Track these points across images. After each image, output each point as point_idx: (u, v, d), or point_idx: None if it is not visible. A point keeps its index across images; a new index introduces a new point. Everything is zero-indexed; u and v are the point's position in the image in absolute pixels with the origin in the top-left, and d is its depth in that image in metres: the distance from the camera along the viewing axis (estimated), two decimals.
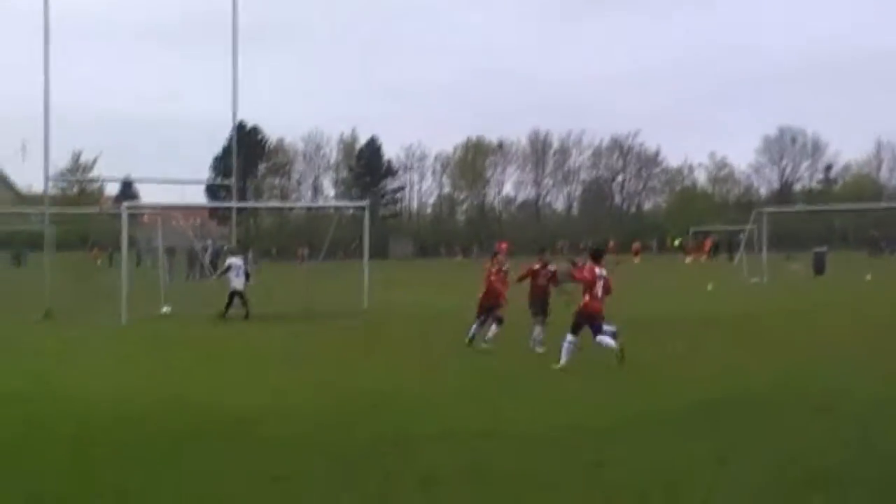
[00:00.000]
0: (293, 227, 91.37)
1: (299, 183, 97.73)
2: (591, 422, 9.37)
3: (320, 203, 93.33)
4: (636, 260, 61.12)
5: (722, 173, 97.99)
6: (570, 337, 13.38)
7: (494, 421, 9.50)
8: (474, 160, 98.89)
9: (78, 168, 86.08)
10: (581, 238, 70.46)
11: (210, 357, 15.77)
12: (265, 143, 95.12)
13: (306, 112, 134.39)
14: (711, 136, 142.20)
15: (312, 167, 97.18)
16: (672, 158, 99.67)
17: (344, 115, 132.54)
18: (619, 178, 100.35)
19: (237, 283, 22.74)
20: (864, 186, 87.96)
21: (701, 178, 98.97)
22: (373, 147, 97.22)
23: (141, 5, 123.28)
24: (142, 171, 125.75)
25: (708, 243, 65.10)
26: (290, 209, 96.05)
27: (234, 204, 38.90)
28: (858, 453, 7.91)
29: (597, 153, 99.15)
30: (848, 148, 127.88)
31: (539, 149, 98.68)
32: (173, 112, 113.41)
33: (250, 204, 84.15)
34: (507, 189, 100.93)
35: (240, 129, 66.00)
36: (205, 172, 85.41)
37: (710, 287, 32.19)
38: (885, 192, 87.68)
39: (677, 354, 14.58)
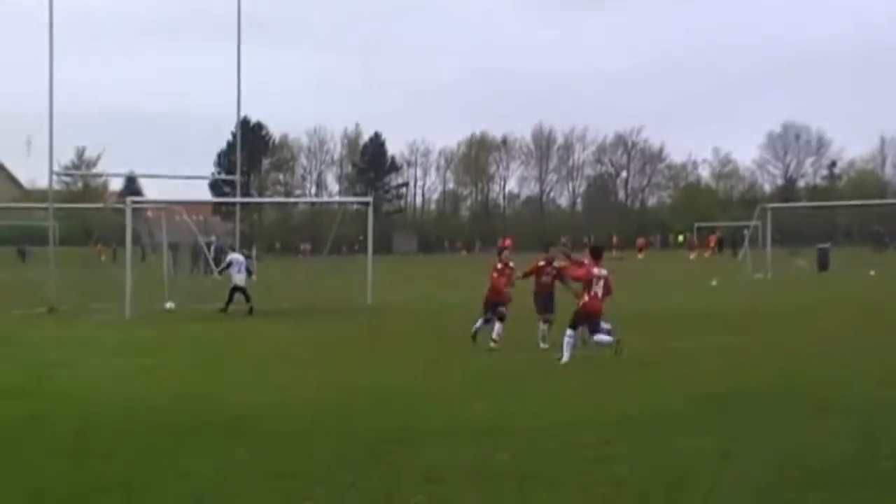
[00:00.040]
0: (297, 223, 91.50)
1: (303, 178, 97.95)
2: (593, 418, 9.37)
3: (324, 199, 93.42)
4: (640, 256, 61.11)
5: (726, 169, 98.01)
6: (569, 332, 13.40)
7: (498, 417, 9.49)
8: (478, 156, 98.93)
9: (82, 163, 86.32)
10: (584, 234, 70.41)
11: (213, 352, 15.79)
12: (269, 138, 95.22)
13: (310, 108, 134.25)
14: (716, 132, 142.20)
15: (316, 163, 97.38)
16: (676, 154, 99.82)
17: (348, 111, 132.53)
18: (623, 174, 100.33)
19: (238, 278, 22.82)
20: (868, 182, 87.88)
21: (705, 174, 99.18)
22: (376, 143, 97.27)
23: (145, 1, 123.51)
24: (146, 166, 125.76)
25: (712, 239, 65.08)
26: (294, 205, 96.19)
27: (237, 199, 39.02)
28: (861, 451, 7.87)
29: (601, 149, 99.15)
30: (852, 144, 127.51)
31: (543, 145, 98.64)
32: (177, 108, 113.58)
33: (254, 199, 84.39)
34: (511, 185, 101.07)
35: (244, 124, 66.10)
36: (209, 168, 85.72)
37: (714, 283, 32.19)
38: (889, 188, 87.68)
39: (679, 349, 14.56)
